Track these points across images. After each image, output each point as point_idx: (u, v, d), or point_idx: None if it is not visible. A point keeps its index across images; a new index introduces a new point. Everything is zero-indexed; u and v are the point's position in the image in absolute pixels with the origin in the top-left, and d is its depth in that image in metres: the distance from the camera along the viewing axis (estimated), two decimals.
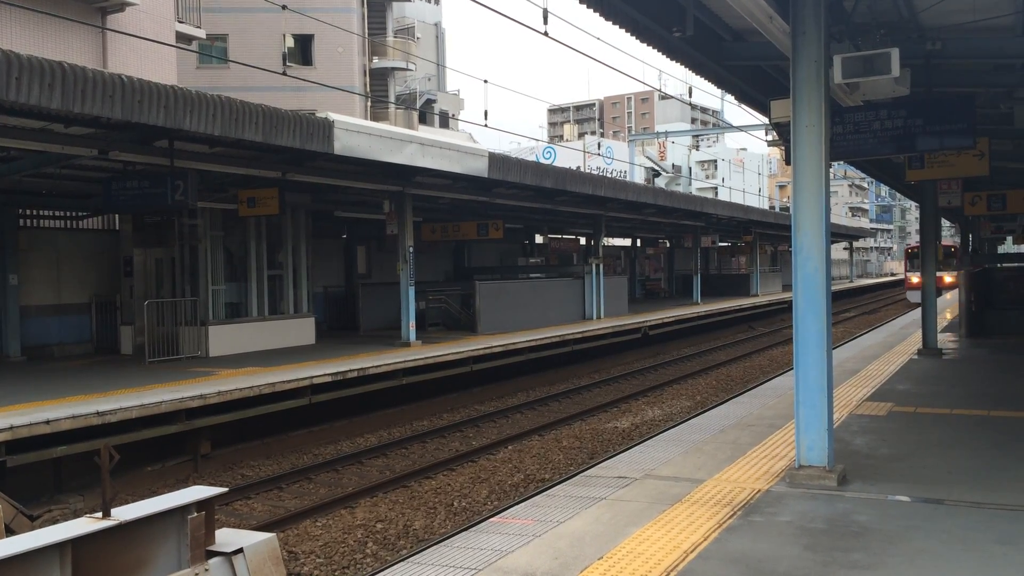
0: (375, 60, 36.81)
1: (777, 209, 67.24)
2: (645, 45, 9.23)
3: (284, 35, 32.70)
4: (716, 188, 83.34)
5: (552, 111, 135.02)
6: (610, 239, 40.27)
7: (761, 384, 14.49)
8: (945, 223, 46.99)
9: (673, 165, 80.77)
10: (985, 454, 7.82)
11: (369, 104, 34.86)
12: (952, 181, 15.47)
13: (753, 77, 11.51)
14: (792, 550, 5.30)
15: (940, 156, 11.94)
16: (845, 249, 62.98)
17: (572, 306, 25.05)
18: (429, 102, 45.86)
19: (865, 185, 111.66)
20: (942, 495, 6.50)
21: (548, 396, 18.07)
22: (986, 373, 13.54)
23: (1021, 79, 9.88)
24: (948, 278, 39.43)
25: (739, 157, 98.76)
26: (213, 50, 31.64)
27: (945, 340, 17.74)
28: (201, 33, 26.46)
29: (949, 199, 16.56)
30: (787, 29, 7.07)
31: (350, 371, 14.05)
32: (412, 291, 18.22)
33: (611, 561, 5.14)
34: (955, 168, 12.19)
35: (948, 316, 25.05)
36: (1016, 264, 24.52)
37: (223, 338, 16.82)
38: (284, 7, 20.27)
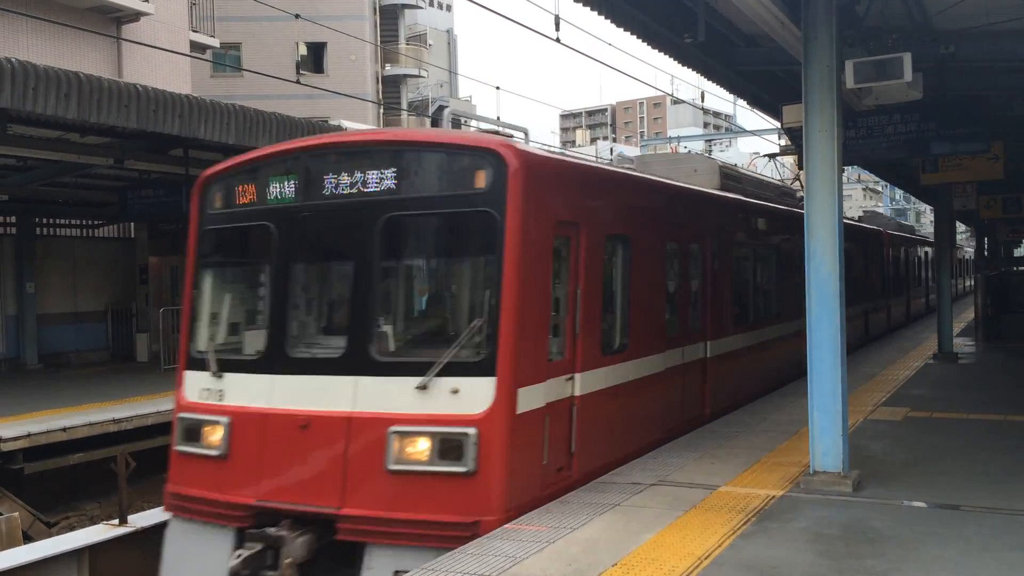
0: (387, 67, 36.99)
1: None
2: (657, 51, 9.25)
3: (297, 43, 32.89)
4: None
5: (564, 116, 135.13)
6: None
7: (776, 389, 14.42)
8: (961, 226, 46.57)
9: None
10: (1002, 459, 7.76)
11: (382, 111, 35.01)
12: (967, 184, 15.40)
13: (765, 82, 11.50)
14: (806, 556, 5.28)
15: (954, 160, 11.90)
16: None
17: None
18: (441, 108, 46.00)
19: (879, 189, 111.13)
20: (958, 500, 6.46)
21: None
22: (1002, 377, 13.45)
23: None
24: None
25: (752, 161, 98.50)
26: (227, 59, 31.86)
27: (961, 344, 17.63)
28: (215, 42, 26.65)
29: (964, 202, 16.50)
30: (799, 34, 7.06)
31: None
32: None
33: (625, 568, 5.13)
34: (969, 172, 12.14)
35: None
36: None
37: None
38: (297, 16, 20.40)
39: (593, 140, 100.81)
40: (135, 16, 21.45)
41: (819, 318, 6.85)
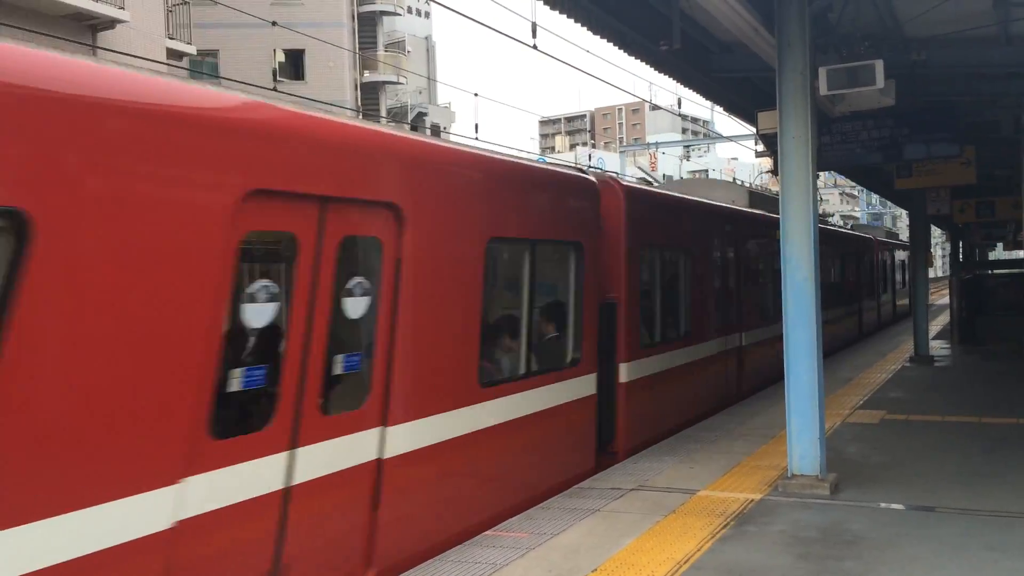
0: (366, 74, 36.95)
1: None
2: (633, 58, 9.30)
3: (275, 50, 32.78)
4: None
5: (543, 123, 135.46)
6: None
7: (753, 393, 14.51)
8: (936, 231, 46.99)
9: (664, 175, 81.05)
10: (976, 460, 7.86)
11: (360, 118, 34.93)
12: (940, 189, 15.57)
13: (741, 88, 11.59)
14: (785, 559, 5.33)
15: (928, 164, 12.04)
16: None
17: None
18: (420, 115, 45.95)
19: (856, 193, 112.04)
20: (934, 502, 6.53)
21: None
22: (977, 380, 13.60)
23: (1005, 87, 9.98)
24: None
25: (730, 167, 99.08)
26: (204, 66, 31.66)
27: (937, 347, 17.82)
28: (192, 49, 26.45)
29: (938, 207, 16.66)
30: (773, 41, 7.14)
31: None
32: None
33: (605, 573, 5.15)
34: (942, 176, 12.28)
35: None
36: (1006, 271, 24.63)
37: None
38: (274, 23, 20.34)
39: (572, 146, 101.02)
40: (111, 24, 21.26)
41: (795, 322, 6.91)
